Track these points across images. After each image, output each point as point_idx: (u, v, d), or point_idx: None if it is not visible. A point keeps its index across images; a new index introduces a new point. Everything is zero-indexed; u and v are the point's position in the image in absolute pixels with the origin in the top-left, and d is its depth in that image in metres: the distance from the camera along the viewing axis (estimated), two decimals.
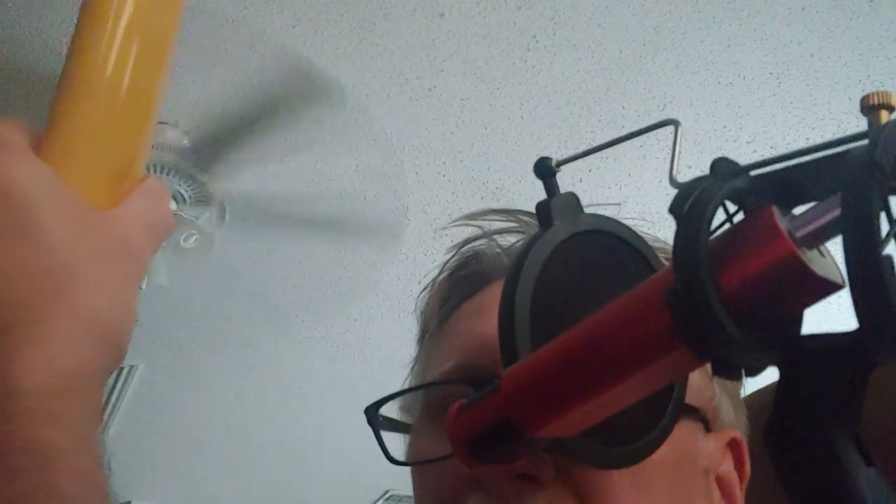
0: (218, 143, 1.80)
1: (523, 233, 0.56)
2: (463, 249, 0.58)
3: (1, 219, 0.37)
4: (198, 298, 2.35)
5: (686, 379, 0.45)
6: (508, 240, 0.56)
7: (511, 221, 0.57)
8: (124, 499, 3.37)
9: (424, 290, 0.60)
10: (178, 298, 2.30)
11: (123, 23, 0.43)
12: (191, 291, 2.30)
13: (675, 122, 0.36)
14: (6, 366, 0.35)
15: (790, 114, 1.74)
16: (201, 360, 2.64)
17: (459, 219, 0.59)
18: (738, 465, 0.53)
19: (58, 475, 0.34)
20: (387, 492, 3.23)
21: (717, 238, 0.31)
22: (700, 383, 0.50)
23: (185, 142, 1.81)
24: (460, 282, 0.57)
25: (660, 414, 0.43)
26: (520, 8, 1.56)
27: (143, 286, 1.95)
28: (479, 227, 0.58)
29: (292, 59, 1.63)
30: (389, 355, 2.45)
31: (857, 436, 0.30)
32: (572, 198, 0.42)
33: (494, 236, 0.57)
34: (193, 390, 2.78)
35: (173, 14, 0.45)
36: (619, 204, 0.49)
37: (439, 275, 0.59)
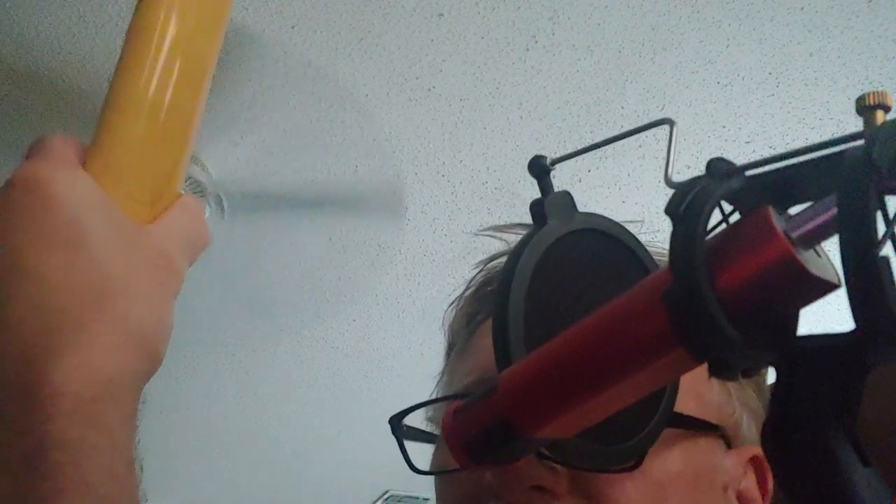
0: None
1: None
2: (489, 265, 0.59)
3: (49, 229, 0.39)
4: (197, 299, 2.35)
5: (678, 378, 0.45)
6: None
7: None
8: None
9: (451, 305, 0.61)
10: (178, 300, 2.29)
11: (167, 44, 0.45)
12: (190, 291, 2.30)
13: (670, 122, 0.36)
14: (50, 369, 0.36)
15: (789, 114, 1.74)
16: (200, 360, 2.64)
17: (486, 229, 0.60)
18: (761, 482, 0.53)
19: (92, 475, 0.35)
20: (386, 492, 3.23)
21: (713, 238, 0.31)
22: (720, 399, 0.50)
23: None
24: (487, 297, 0.57)
25: (654, 411, 0.43)
26: (519, 8, 1.56)
27: None
28: (506, 241, 0.58)
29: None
30: (389, 355, 2.45)
31: (855, 436, 0.30)
32: (566, 196, 0.42)
33: None
34: (192, 391, 2.78)
35: (215, 36, 0.47)
36: (642, 221, 0.49)
37: (466, 290, 0.60)
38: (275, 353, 2.59)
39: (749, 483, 0.52)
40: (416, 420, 0.57)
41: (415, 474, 0.54)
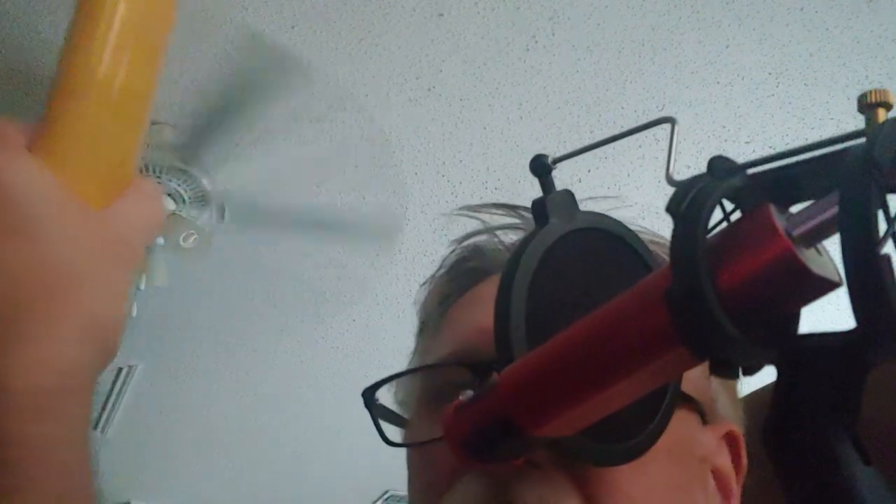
0: (204, 132, 1.80)
1: (524, 228, 0.56)
2: (464, 244, 0.58)
3: None
4: (197, 299, 2.35)
5: (681, 376, 0.45)
6: (510, 237, 0.56)
7: (513, 217, 0.57)
8: (123, 499, 3.37)
9: (424, 284, 0.60)
10: (178, 299, 2.30)
11: (116, 24, 0.43)
12: (190, 292, 2.30)
13: (671, 120, 0.36)
14: (3, 363, 0.35)
15: (789, 114, 1.74)
16: (201, 360, 2.64)
17: (461, 209, 0.59)
18: (735, 459, 0.53)
19: (48, 470, 0.34)
20: (386, 492, 3.23)
21: (714, 237, 0.31)
22: (696, 375, 0.50)
23: (178, 139, 1.81)
24: (461, 276, 0.57)
25: (655, 410, 0.43)
26: (519, 8, 1.56)
27: (142, 287, 1.95)
28: (481, 220, 0.58)
29: (251, 38, 1.62)
30: (389, 355, 2.45)
31: (856, 435, 0.30)
32: (568, 195, 0.42)
33: (496, 231, 0.57)
34: (192, 391, 2.78)
35: (166, 15, 0.46)
36: (617, 196, 0.48)
37: (439, 269, 0.59)
38: (275, 353, 2.59)
39: (724, 459, 0.52)
40: (388, 402, 0.56)
41: None
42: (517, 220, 0.57)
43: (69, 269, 0.38)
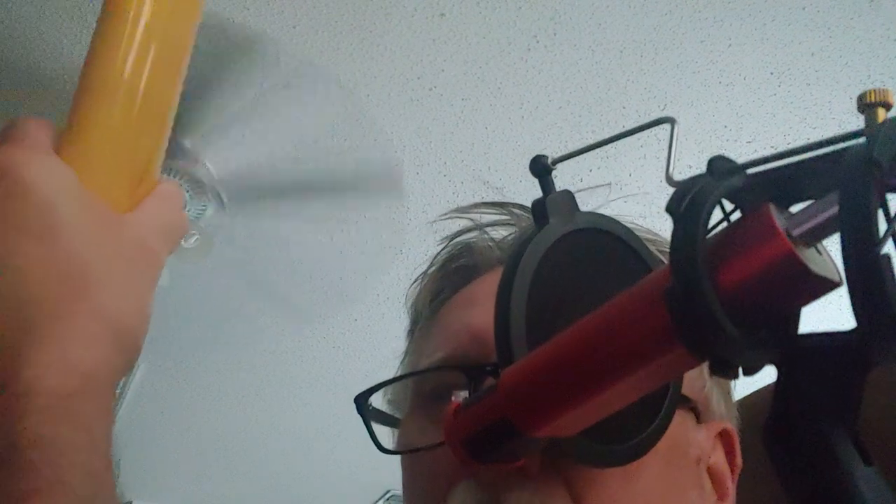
0: (181, 120, 1.78)
1: (514, 225, 0.56)
2: (454, 242, 0.58)
3: (22, 218, 0.37)
4: (199, 299, 2.35)
5: (682, 376, 0.45)
6: (500, 232, 0.56)
7: (502, 214, 0.57)
8: (126, 499, 3.38)
9: (415, 282, 0.59)
10: (179, 299, 2.30)
11: (141, 27, 0.43)
12: (192, 292, 2.30)
13: (671, 120, 0.36)
14: (25, 363, 0.35)
15: (791, 113, 1.74)
16: (202, 360, 2.64)
17: (450, 212, 0.59)
18: (729, 457, 0.53)
19: (69, 473, 0.34)
20: (388, 491, 3.23)
21: (714, 237, 0.31)
22: (691, 374, 0.49)
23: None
24: (451, 274, 0.56)
25: (656, 411, 0.43)
26: (520, 8, 1.56)
27: None
28: (471, 219, 0.57)
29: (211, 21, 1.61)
30: (391, 355, 2.44)
31: (857, 435, 0.30)
32: (568, 195, 0.42)
33: (486, 229, 0.57)
34: (195, 391, 2.78)
35: (191, 19, 0.46)
36: (609, 184, 0.48)
37: (430, 267, 0.58)
38: (277, 353, 2.59)
39: (718, 458, 0.52)
40: (382, 404, 0.56)
41: None
42: (507, 217, 0.57)
43: (92, 271, 0.38)
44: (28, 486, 0.33)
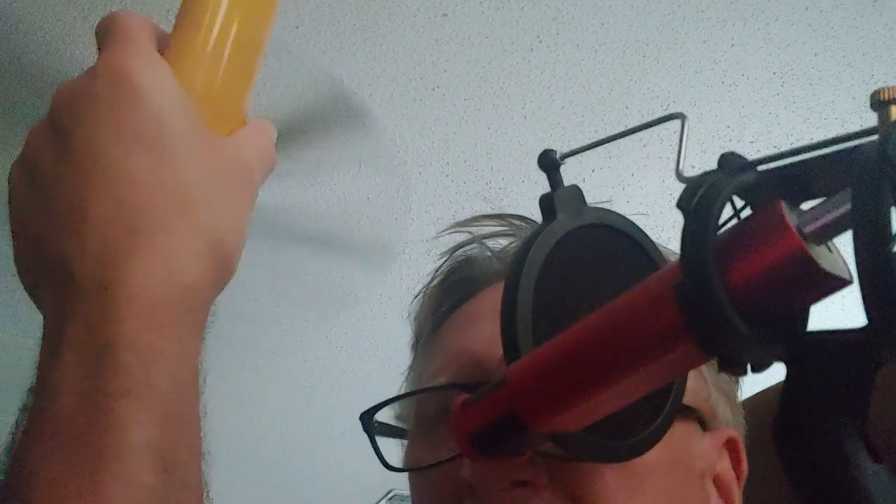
0: None
1: (514, 236, 0.56)
2: (454, 255, 0.58)
3: (137, 126, 0.38)
4: None
5: (687, 374, 0.45)
6: (500, 243, 0.56)
7: (502, 225, 0.57)
8: None
9: (417, 296, 0.60)
10: None
11: None
12: None
13: (681, 116, 0.36)
14: (129, 270, 0.36)
15: (794, 114, 1.74)
16: (204, 359, 2.63)
17: (450, 227, 0.59)
18: (735, 465, 0.53)
19: (158, 379, 0.35)
20: (390, 491, 3.23)
21: (724, 233, 0.31)
22: (695, 384, 0.50)
23: None
24: (452, 287, 0.57)
25: (660, 407, 0.43)
26: (523, 8, 1.56)
27: None
28: (470, 232, 0.58)
29: (328, 82, 1.63)
30: (392, 355, 2.45)
31: (865, 432, 0.30)
32: (576, 191, 0.42)
33: (485, 240, 0.57)
34: None
35: None
36: (609, 200, 0.48)
37: (431, 281, 0.59)
38: (279, 353, 2.59)
39: (724, 466, 0.52)
40: (388, 418, 0.56)
41: None
42: (506, 228, 0.57)
43: (198, 188, 0.39)
44: (119, 385, 0.34)
